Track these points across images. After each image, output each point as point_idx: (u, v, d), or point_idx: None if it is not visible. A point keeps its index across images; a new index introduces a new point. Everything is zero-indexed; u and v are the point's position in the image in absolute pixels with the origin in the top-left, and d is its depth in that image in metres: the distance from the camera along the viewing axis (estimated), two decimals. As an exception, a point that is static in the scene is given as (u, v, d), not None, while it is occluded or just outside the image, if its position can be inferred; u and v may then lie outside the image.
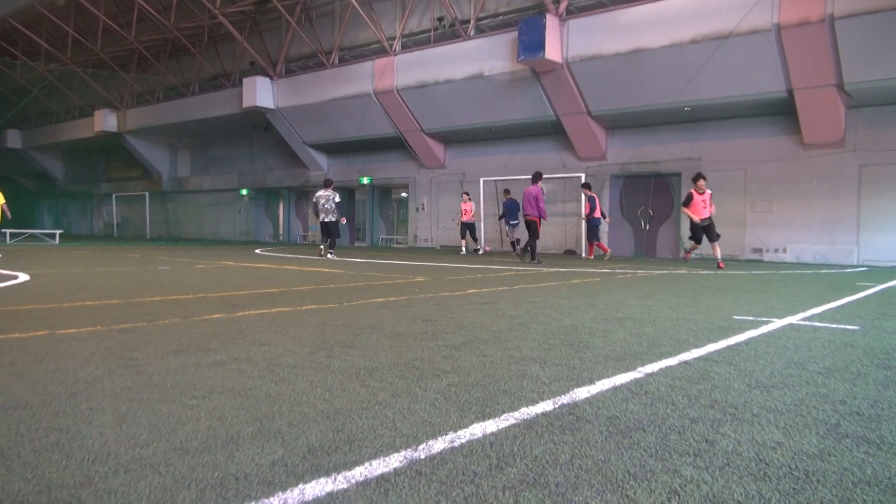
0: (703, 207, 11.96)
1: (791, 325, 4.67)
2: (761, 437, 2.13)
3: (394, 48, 20.04)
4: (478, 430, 2.16)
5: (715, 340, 3.96)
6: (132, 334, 3.93)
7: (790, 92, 13.85)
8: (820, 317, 5.18)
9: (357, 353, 3.42)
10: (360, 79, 20.56)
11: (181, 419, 2.23)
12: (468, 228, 18.00)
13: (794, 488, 1.71)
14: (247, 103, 23.14)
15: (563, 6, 15.97)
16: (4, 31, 29.26)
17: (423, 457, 1.89)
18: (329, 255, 14.49)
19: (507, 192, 18.77)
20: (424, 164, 22.13)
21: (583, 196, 16.19)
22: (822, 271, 11.80)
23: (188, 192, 32.13)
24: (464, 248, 18.07)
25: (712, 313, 5.28)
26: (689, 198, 12.13)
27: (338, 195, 14.76)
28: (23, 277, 8.08)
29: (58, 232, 26.21)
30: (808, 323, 4.82)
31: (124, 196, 34.61)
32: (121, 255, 14.81)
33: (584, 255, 16.04)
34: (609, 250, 16.00)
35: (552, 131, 18.27)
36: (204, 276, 8.77)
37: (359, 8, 19.96)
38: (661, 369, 3.13)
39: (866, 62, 12.64)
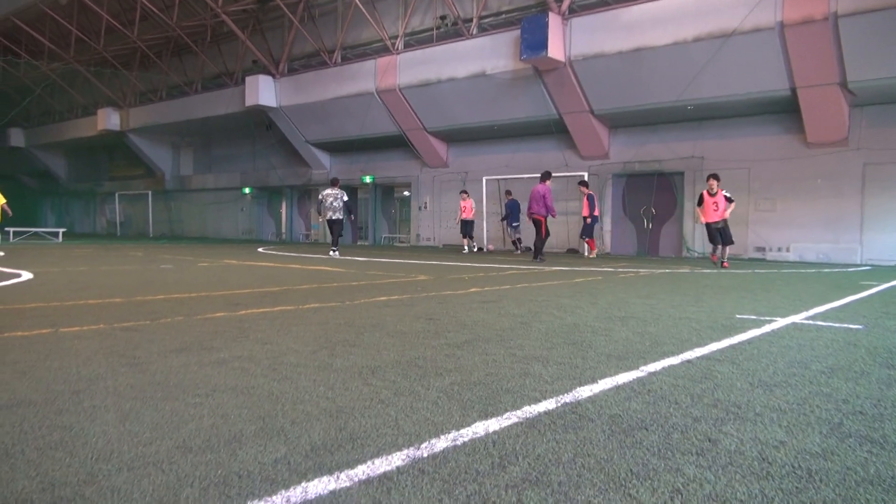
0: (713, 210, 11.67)
1: (794, 325, 4.66)
2: (764, 436, 2.13)
3: (396, 47, 20.03)
4: (480, 428, 2.16)
5: (718, 339, 3.96)
6: (135, 333, 3.94)
7: (793, 90, 13.82)
8: (823, 316, 5.17)
9: (359, 352, 3.42)
10: (363, 77, 20.56)
11: (184, 417, 2.23)
12: (467, 226, 17.97)
13: (796, 487, 1.71)
14: (249, 102, 23.15)
15: (565, 5, 15.94)
16: (7, 29, 29.32)
17: (425, 455, 1.89)
18: (332, 253, 14.54)
19: (508, 193, 18.78)
20: (427, 163, 22.12)
21: (585, 194, 16.15)
22: (826, 270, 11.77)
23: (191, 190, 32.16)
24: (466, 247, 18.09)
25: (715, 312, 5.27)
26: (700, 198, 11.98)
27: (345, 194, 14.88)
28: (26, 276, 8.10)
29: (61, 230, 26.29)
30: (811, 322, 4.81)
31: (127, 194, 34.66)
32: (123, 253, 14.84)
33: (585, 254, 16.02)
34: (596, 251, 15.94)
35: (555, 130, 18.25)
36: (207, 275, 8.78)
37: (361, 6, 19.96)
38: (663, 368, 3.13)
39: (870, 60, 12.60)
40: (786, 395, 2.67)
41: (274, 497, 1.59)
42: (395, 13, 20.90)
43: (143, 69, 30.00)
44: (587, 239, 15.89)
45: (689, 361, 3.30)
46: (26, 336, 3.77)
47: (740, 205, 15.79)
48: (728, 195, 11.73)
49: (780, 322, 4.75)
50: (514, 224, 18.23)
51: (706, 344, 3.79)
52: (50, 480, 1.68)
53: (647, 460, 1.88)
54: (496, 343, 3.73)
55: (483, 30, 18.40)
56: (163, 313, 4.79)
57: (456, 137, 21.12)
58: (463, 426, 2.17)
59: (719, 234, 11.83)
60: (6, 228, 24.70)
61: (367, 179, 24.13)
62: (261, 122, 25.61)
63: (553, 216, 13.79)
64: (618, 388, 2.72)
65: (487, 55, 17.52)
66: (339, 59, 22.01)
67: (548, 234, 13.93)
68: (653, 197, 17.75)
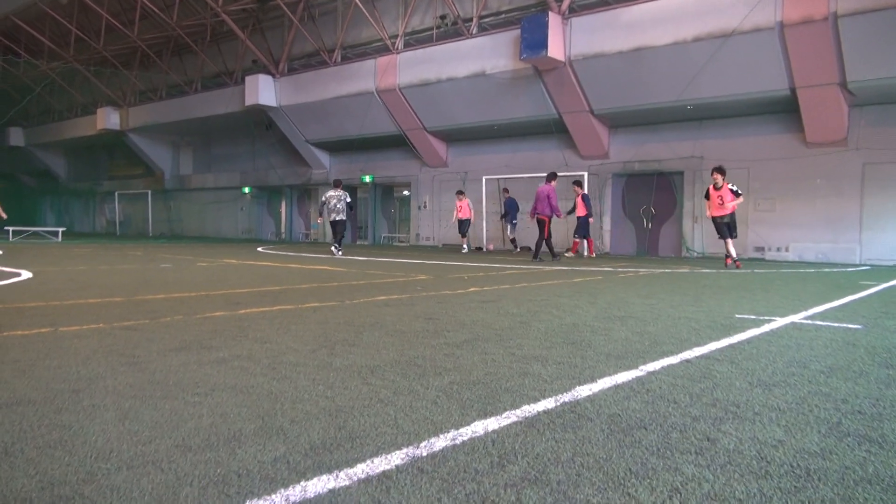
0: (718, 204, 11.52)
1: (793, 324, 4.66)
2: (763, 435, 2.13)
3: (396, 46, 20.03)
4: (479, 427, 2.16)
5: (717, 339, 3.96)
6: (135, 332, 3.94)
7: (793, 90, 13.82)
8: (822, 315, 5.18)
9: (359, 351, 3.42)
10: (363, 77, 20.56)
11: (183, 416, 2.23)
12: (463, 226, 17.91)
13: (795, 486, 1.71)
14: (249, 101, 23.15)
15: (565, 4, 15.94)
16: (7, 28, 29.30)
17: (424, 454, 1.90)
18: (334, 249, 14.68)
19: (506, 190, 18.81)
20: (427, 163, 22.12)
21: (579, 194, 16.06)
22: (825, 270, 11.77)
23: (190, 189, 32.15)
24: (465, 247, 18.08)
25: (714, 312, 5.28)
26: (707, 193, 11.87)
27: (348, 195, 15.01)
28: (26, 275, 8.10)
29: (60, 230, 26.28)
30: (810, 322, 4.81)
31: (127, 194, 34.65)
32: (123, 252, 14.84)
33: (585, 254, 16.01)
34: (576, 252, 15.85)
35: (555, 130, 18.25)
36: (206, 274, 8.78)
37: (361, 6, 19.96)
38: (662, 368, 3.13)
39: (870, 60, 12.60)
40: (784, 394, 2.67)
41: (273, 496, 1.59)
42: (394, 13, 20.90)
43: (142, 68, 29.99)
44: (586, 238, 15.85)
45: (688, 361, 3.30)
46: (26, 335, 3.77)
47: (740, 205, 15.79)
48: (735, 189, 11.52)
49: (780, 322, 4.75)
50: (513, 222, 18.29)
51: (705, 343, 3.80)
52: (49, 479, 1.68)
53: (645, 459, 1.89)
54: (495, 342, 3.73)
55: (483, 29, 18.41)
56: (162, 312, 4.79)
57: (456, 137, 21.12)
58: (462, 425, 2.18)
59: (727, 227, 11.62)
60: (5, 228, 24.73)
61: (367, 179, 24.14)
62: (260, 121, 25.60)
63: (559, 216, 13.82)
64: (617, 388, 2.73)
65: (487, 55, 17.52)
66: (339, 59, 22.00)
67: (549, 234, 13.93)
68: (652, 197, 17.75)
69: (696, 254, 16.63)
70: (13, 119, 36.49)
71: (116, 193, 34.82)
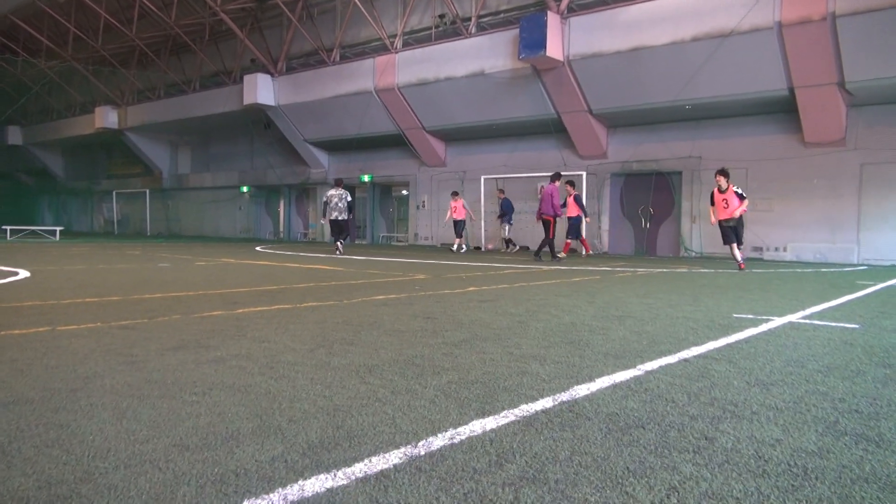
0: (723, 207, 10.95)
1: (791, 324, 4.67)
2: (760, 434, 2.13)
3: (395, 46, 20.02)
4: (477, 426, 2.16)
5: (715, 338, 3.96)
6: (132, 331, 3.94)
7: (791, 90, 13.84)
8: (820, 315, 5.18)
9: (357, 351, 3.42)
10: (362, 76, 20.55)
11: (181, 415, 2.23)
12: (458, 226, 17.83)
13: (792, 485, 1.71)
14: (248, 100, 23.14)
15: (564, 4, 15.95)
16: (5, 27, 29.24)
17: (422, 453, 1.90)
18: (340, 245, 14.83)
19: (501, 191, 18.84)
20: (425, 162, 22.12)
21: (571, 194, 16.00)
22: (823, 270, 11.79)
23: (189, 189, 32.12)
24: (463, 246, 18.00)
25: (712, 311, 5.28)
26: (711, 196, 11.27)
27: (349, 194, 15.08)
28: (23, 274, 8.09)
29: (58, 229, 26.24)
30: (807, 321, 4.82)
31: (125, 193, 34.61)
32: (121, 252, 14.82)
33: (584, 253, 16.01)
34: (567, 253, 15.72)
35: (553, 129, 18.26)
36: (204, 273, 8.77)
37: (360, 5, 19.94)
38: (660, 367, 3.13)
39: (867, 60, 12.62)
40: (782, 393, 2.67)
41: (271, 495, 1.59)
42: (393, 12, 20.89)
43: (141, 67, 29.96)
44: (579, 238, 15.79)
45: (686, 360, 3.31)
46: (23, 334, 3.77)
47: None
48: (739, 191, 10.98)
49: (777, 321, 4.76)
50: (510, 222, 18.32)
51: (703, 343, 3.80)
52: (47, 478, 1.68)
53: (643, 458, 1.89)
54: (494, 342, 3.73)
55: (482, 29, 18.41)
56: (160, 312, 4.79)
57: (454, 136, 21.12)
58: (460, 424, 2.18)
59: (733, 232, 11.06)
60: (3, 227, 24.70)
61: (366, 178, 24.13)
62: (259, 120, 25.59)
63: (559, 216, 13.82)
64: (615, 387, 2.73)
65: (486, 54, 17.53)
66: (338, 58, 21.99)
67: (554, 235, 13.96)
68: (651, 196, 17.76)
69: (694, 254, 16.65)
70: (11, 118, 36.45)
71: (114, 193, 34.78)
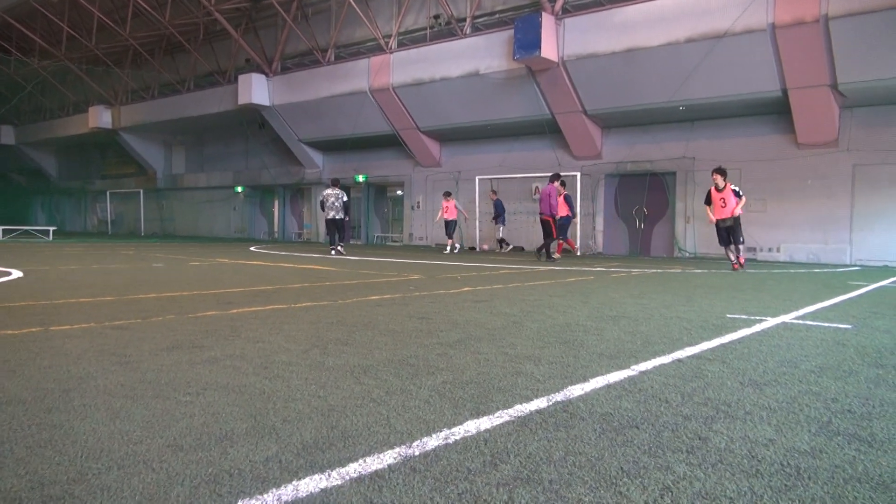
0: (721, 206, 10.87)
1: (784, 324, 4.69)
2: (754, 434, 2.14)
3: (390, 46, 20.01)
4: (472, 426, 2.16)
5: (708, 339, 3.98)
6: (126, 331, 3.92)
7: (784, 92, 13.89)
8: (813, 315, 5.21)
9: (351, 351, 3.42)
10: (356, 76, 20.53)
11: (175, 416, 2.23)
12: (449, 227, 17.78)
13: (785, 485, 1.72)
14: (242, 100, 23.08)
15: (558, 5, 15.97)
16: (-2, 26, 29.13)
17: (417, 453, 1.90)
18: (339, 249, 14.84)
19: (493, 192, 18.87)
20: (420, 163, 22.11)
21: (562, 194, 15.99)
22: (815, 270, 11.84)
23: (183, 189, 32.03)
24: (457, 246, 17.94)
25: (706, 312, 5.30)
26: (708, 196, 11.16)
27: (346, 194, 15.14)
28: (16, 274, 8.05)
29: (51, 229, 26.13)
30: (800, 322, 4.84)
31: (118, 193, 34.47)
32: (115, 252, 14.76)
33: (578, 252, 16.01)
34: (561, 253, 15.69)
35: (548, 130, 18.28)
36: (198, 274, 8.75)
37: (355, 5, 19.92)
38: (654, 367, 3.14)
39: (860, 62, 12.69)
40: (775, 393, 2.68)
41: (265, 495, 1.59)
42: (388, 12, 20.88)
43: (135, 67, 29.84)
44: (565, 239, 15.79)
45: (679, 360, 3.32)
46: (16, 334, 3.75)
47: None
48: (737, 189, 10.92)
49: (770, 321, 4.78)
50: (503, 223, 18.40)
51: (697, 343, 3.81)
52: (39, 479, 1.67)
53: (637, 458, 1.89)
54: (488, 342, 3.74)
55: (476, 29, 18.42)
56: (154, 312, 4.77)
57: (449, 137, 21.12)
58: (455, 425, 2.18)
59: (728, 233, 10.99)
60: None
61: (360, 178, 24.10)
62: (253, 120, 25.53)
63: (555, 215, 13.82)
64: (609, 387, 2.74)
65: (481, 55, 17.53)
66: (333, 58, 21.97)
67: (557, 234, 14.00)
68: (645, 197, 17.81)
69: (687, 254, 16.70)
70: (4, 117, 36.22)
71: (108, 192, 34.64)
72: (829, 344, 3.88)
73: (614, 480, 1.73)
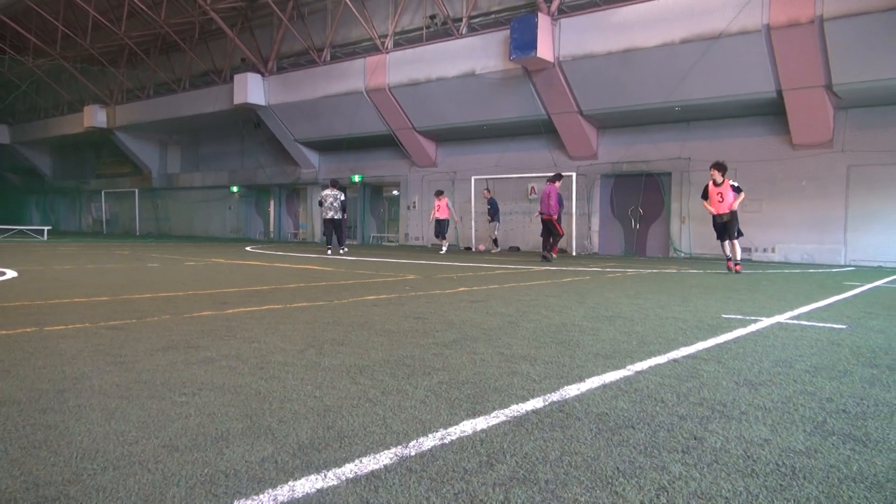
0: (718, 201, 10.61)
1: (779, 324, 4.70)
2: (749, 434, 2.15)
3: (386, 46, 20.00)
4: (468, 427, 2.16)
5: (704, 339, 3.98)
6: (121, 331, 3.91)
7: (779, 92, 13.94)
8: (807, 316, 5.23)
9: (347, 351, 3.42)
10: (352, 76, 20.52)
11: (170, 416, 2.22)
12: (441, 226, 17.71)
13: (781, 485, 1.72)
14: (238, 100, 23.04)
15: (554, 5, 15.99)
16: (-8, 24, 29.01)
17: (413, 454, 1.89)
18: (342, 250, 14.95)
19: (487, 190, 18.91)
20: (416, 163, 22.11)
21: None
22: (810, 271, 11.88)
23: (178, 188, 31.95)
24: (447, 244, 17.79)
25: (701, 312, 5.31)
26: (705, 191, 10.92)
27: (343, 194, 15.22)
28: (10, 274, 8.01)
29: (46, 228, 26.02)
30: (795, 322, 4.86)
31: (113, 192, 34.37)
32: (110, 251, 14.72)
33: (574, 253, 16.02)
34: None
35: (544, 130, 18.30)
36: (194, 274, 8.73)
37: (351, 5, 19.92)
38: (650, 367, 3.15)
39: (855, 63, 12.74)
40: (770, 393, 2.69)
41: (261, 496, 1.59)
42: (384, 12, 20.87)
43: (130, 66, 29.77)
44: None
45: (675, 360, 3.32)
46: (10, 335, 3.73)
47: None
48: (735, 184, 10.68)
49: (766, 322, 4.79)
50: (498, 221, 18.46)
51: (692, 343, 3.82)
52: (34, 479, 1.66)
53: (633, 458, 1.90)
54: (484, 342, 3.74)
55: (473, 30, 18.43)
56: (149, 312, 4.76)
57: (445, 137, 21.12)
58: (451, 425, 2.18)
59: (724, 228, 10.73)
60: None
61: (356, 178, 24.09)
62: (249, 120, 25.50)
63: (554, 213, 13.81)
64: (605, 387, 2.74)
65: (477, 55, 17.55)
66: (329, 58, 21.95)
67: (554, 235, 13.99)
68: (640, 197, 17.85)
69: (683, 254, 16.74)
70: (-2, 116, 36.12)
71: (103, 192, 34.53)
72: (824, 344, 3.89)
73: (610, 480, 1.73)
